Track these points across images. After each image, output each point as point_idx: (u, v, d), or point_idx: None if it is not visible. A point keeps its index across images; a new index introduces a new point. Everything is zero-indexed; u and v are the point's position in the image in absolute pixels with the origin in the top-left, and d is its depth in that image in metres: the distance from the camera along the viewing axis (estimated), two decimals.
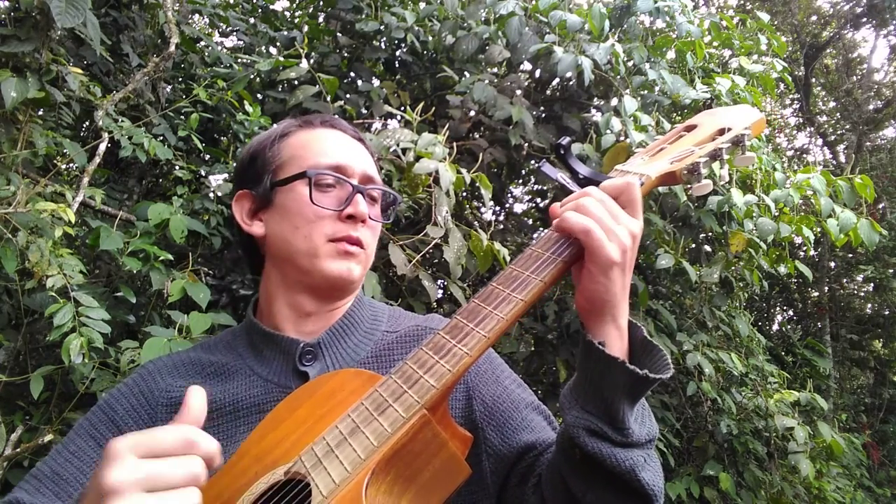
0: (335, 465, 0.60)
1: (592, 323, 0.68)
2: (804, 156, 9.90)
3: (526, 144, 2.78)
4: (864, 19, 8.63)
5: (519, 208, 3.78)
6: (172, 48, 2.29)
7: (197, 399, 0.58)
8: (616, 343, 0.67)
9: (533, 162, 3.11)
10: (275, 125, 0.97)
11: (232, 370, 0.85)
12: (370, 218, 0.86)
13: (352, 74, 2.92)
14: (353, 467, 0.59)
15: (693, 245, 3.01)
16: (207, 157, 2.52)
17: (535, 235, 3.49)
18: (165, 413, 0.81)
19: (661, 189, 2.41)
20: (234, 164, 2.33)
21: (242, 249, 0.95)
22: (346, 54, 2.97)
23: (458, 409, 0.83)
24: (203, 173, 2.40)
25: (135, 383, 0.85)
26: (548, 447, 0.80)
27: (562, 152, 0.78)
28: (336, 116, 0.97)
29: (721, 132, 0.77)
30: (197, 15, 3.24)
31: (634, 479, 0.64)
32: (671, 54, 2.96)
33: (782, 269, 2.90)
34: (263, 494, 0.63)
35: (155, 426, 0.78)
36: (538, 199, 3.62)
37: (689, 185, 0.75)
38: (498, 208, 3.48)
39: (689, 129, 0.83)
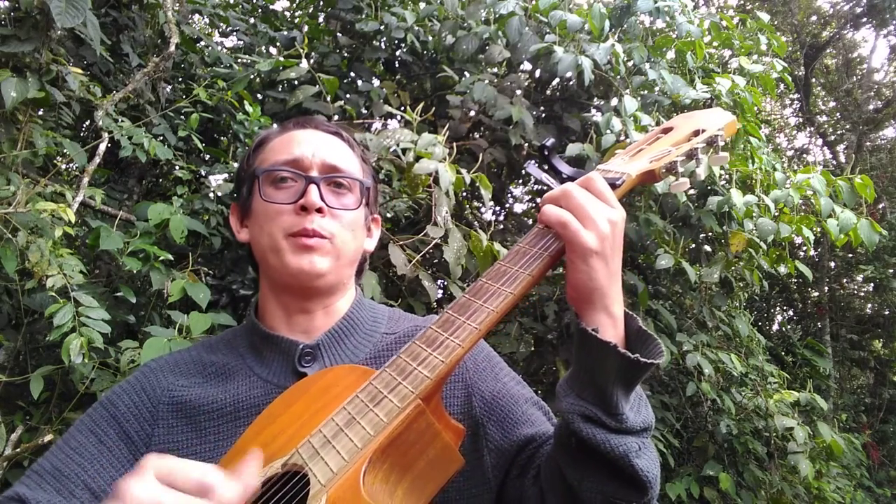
0: (332, 456, 0.61)
1: (583, 311, 0.70)
2: (804, 156, 9.89)
3: (526, 144, 2.78)
4: (864, 19, 8.62)
5: (519, 208, 3.78)
6: (172, 48, 2.29)
7: (252, 466, 0.59)
8: (609, 331, 0.68)
9: (533, 162, 3.11)
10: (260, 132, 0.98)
11: (232, 370, 0.86)
12: (330, 206, 0.85)
13: (352, 74, 2.92)
14: (350, 456, 0.60)
15: (693, 245, 3.01)
16: (207, 157, 2.52)
17: None
18: (166, 411, 0.82)
19: (661, 189, 2.41)
20: (235, 166, 2.34)
21: (249, 261, 0.98)
22: (346, 54, 2.96)
23: (458, 406, 0.84)
24: (203, 173, 2.40)
25: (137, 381, 0.85)
26: (547, 440, 0.81)
27: (546, 153, 0.83)
28: (314, 117, 0.98)
29: (696, 133, 0.82)
30: (197, 15, 3.24)
31: (628, 464, 0.65)
32: (671, 54, 2.96)
33: (782, 269, 2.90)
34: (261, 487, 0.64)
35: (157, 424, 0.80)
36: (538, 199, 3.62)
37: (667, 184, 0.79)
38: (498, 208, 3.48)
39: (666, 131, 0.87)
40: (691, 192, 2.75)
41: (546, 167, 0.86)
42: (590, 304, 0.69)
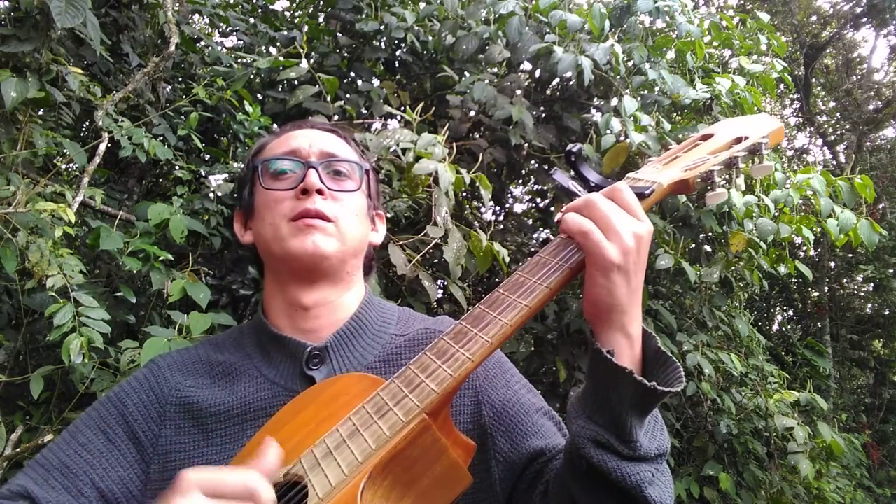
0: (332, 468, 0.60)
1: (600, 330, 0.67)
2: (804, 156, 9.89)
3: (526, 144, 2.78)
4: (864, 19, 8.62)
5: (519, 208, 3.78)
6: (172, 48, 2.29)
7: (272, 455, 0.60)
8: (625, 352, 0.66)
9: (533, 162, 3.11)
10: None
11: (240, 371, 0.85)
12: (331, 189, 0.85)
13: (352, 74, 2.92)
14: (349, 470, 0.59)
15: (693, 245, 3.01)
16: (207, 157, 2.52)
17: (534, 235, 3.49)
18: (174, 412, 0.81)
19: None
20: (235, 166, 2.34)
21: (254, 263, 0.98)
22: (346, 54, 2.96)
23: (467, 415, 0.82)
24: (203, 173, 2.40)
25: (145, 378, 0.85)
26: (557, 453, 0.79)
27: (573, 159, 0.79)
28: (309, 118, 0.99)
29: (737, 141, 0.77)
30: (197, 15, 3.24)
31: (640, 494, 0.63)
32: (671, 54, 2.96)
33: (782, 269, 2.90)
34: None
35: (164, 425, 0.80)
36: (538, 199, 3.62)
37: (702, 194, 0.74)
38: (498, 208, 3.48)
39: (705, 138, 0.82)
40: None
41: (573, 174, 0.82)
42: (607, 322, 0.66)
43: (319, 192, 0.84)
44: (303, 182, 0.84)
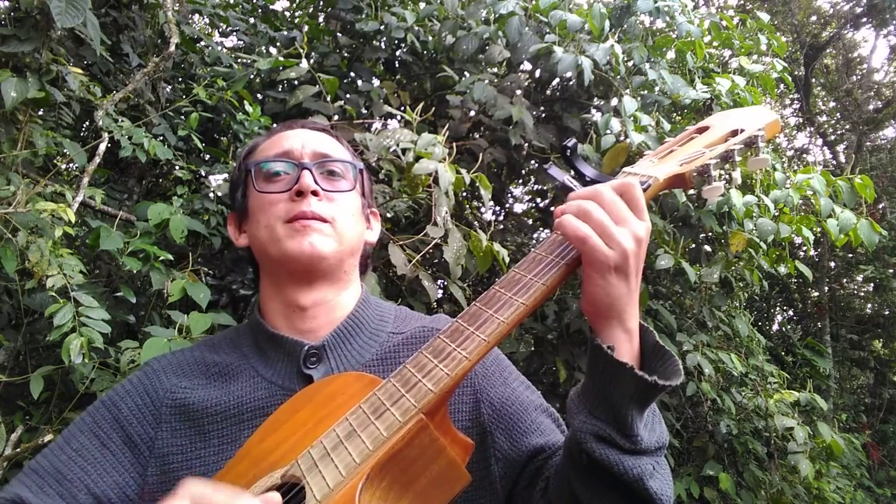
0: (330, 469, 0.60)
1: (599, 327, 0.67)
2: (804, 156, 9.90)
3: (526, 144, 2.78)
4: (864, 19, 8.62)
5: (519, 208, 3.78)
6: (172, 48, 2.29)
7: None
8: (625, 347, 0.66)
9: (533, 162, 3.11)
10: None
11: (236, 371, 0.85)
12: (326, 190, 0.85)
13: (352, 74, 2.92)
14: (347, 471, 0.59)
15: (693, 245, 3.01)
16: (207, 157, 2.52)
17: (534, 235, 3.49)
18: (169, 414, 0.81)
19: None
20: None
21: (249, 265, 0.98)
22: (346, 54, 2.96)
23: (466, 412, 0.82)
24: (203, 173, 2.40)
25: (140, 381, 0.84)
26: (556, 450, 0.80)
27: (568, 154, 0.78)
28: (310, 118, 0.98)
29: (734, 134, 0.76)
30: (197, 15, 3.24)
31: (642, 487, 0.63)
32: (671, 54, 2.96)
33: (782, 269, 2.90)
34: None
35: (160, 427, 0.80)
36: (538, 199, 3.62)
37: (698, 188, 0.73)
38: (498, 208, 3.48)
39: (701, 131, 0.81)
40: (691, 191, 2.75)
41: (572, 172, 0.81)
42: (606, 318, 0.66)
43: (314, 193, 0.84)
44: (297, 184, 0.83)
